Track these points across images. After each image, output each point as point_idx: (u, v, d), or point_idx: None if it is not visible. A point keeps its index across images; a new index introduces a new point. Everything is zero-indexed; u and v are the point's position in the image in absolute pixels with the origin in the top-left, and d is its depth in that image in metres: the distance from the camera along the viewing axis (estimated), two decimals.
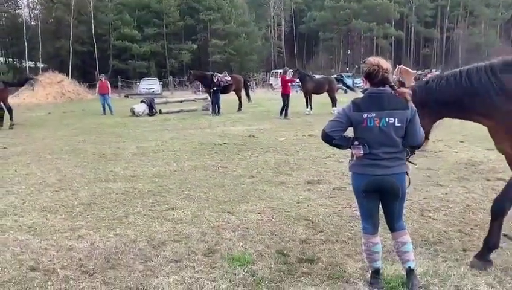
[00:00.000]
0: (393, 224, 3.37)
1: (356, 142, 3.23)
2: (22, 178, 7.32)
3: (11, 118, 15.20)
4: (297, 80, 19.09)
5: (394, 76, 21.44)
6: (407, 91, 3.25)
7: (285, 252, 4.12)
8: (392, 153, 3.20)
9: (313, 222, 4.93)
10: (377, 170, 3.19)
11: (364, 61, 3.33)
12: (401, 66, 22.46)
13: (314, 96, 18.67)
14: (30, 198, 6.09)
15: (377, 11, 66.46)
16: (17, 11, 61.76)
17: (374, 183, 3.22)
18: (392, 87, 3.23)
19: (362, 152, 3.19)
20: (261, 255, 4.07)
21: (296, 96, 21.96)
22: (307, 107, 18.31)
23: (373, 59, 3.26)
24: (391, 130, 3.16)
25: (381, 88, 3.21)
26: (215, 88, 18.77)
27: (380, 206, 3.38)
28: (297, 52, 73.95)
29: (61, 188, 6.63)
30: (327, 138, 3.28)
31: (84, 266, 3.90)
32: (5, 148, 10.62)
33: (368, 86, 3.28)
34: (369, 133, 3.18)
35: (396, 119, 3.15)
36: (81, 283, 3.60)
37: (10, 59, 60.78)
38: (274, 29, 72.52)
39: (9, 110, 15.31)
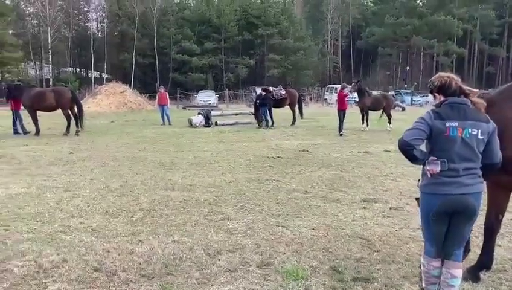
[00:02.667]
0: (453, 251, 3.18)
1: (433, 157, 3.03)
2: (87, 183, 7.73)
3: (77, 125, 16.10)
4: (354, 95, 18.90)
5: None
6: (482, 102, 3.11)
7: (339, 269, 4.08)
8: (471, 169, 3.02)
9: (368, 241, 4.85)
10: (455, 188, 2.99)
11: (430, 80, 3.24)
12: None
13: (370, 112, 18.41)
14: (94, 202, 6.42)
15: (439, 27, 64.61)
16: (86, 24, 65.70)
17: (450, 203, 3.02)
18: (467, 96, 3.10)
19: (439, 169, 3.00)
20: (315, 271, 4.06)
21: (352, 112, 21.70)
22: (363, 123, 18.05)
23: (441, 73, 3.20)
24: (474, 142, 2.99)
25: (462, 98, 3.09)
26: (258, 101, 19.09)
27: None
28: (353, 68, 73.19)
29: (123, 193, 6.93)
30: (407, 146, 3.04)
31: (143, 270, 4.06)
32: (71, 153, 11.26)
33: (442, 98, 3.16)
34: (450, 145, 2.99)
35: (480, 131, 2.99)
36: (141, 286, 3.75)
37: (78, 69, 64.49)
38: (331, 44, 72.29)
39: (76, 117, 16.23)
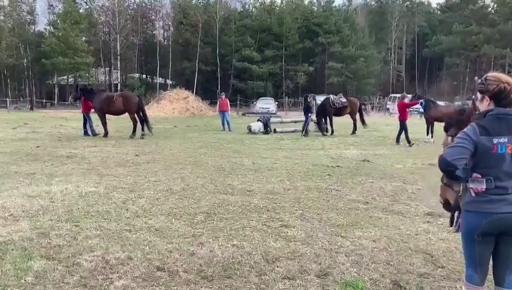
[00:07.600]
0: (504, 276, 2.89)
1: (478, 175, 2.76)
2: (151, 184, 8.02)
3: (142, 129, 16.78)
4: (418, 106, 18.30)
5: None
6: None
7: (401, 284, 3.95)
8: None
9: (432, 256, 4.65)
10: (503, 206, 2.71)
11: (486, 78, 2.83)
12: None
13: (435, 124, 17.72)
14: (158, 203, 6.64)
15: None
16: (153, 32, 68.46)
17: (497, 222, 2.73)
18: None
19: (485, 187, 2.73)
20: (375, 283, 3.95)
21: (415, 123, 21.00)
22: (427, 134, 17.41)
23: (501, 76, 2.81)
24: None
25: (508, 109, 2.75)
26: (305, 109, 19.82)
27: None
28: (418, 77, 70.90)
29: (185, 196, 7.13)
30: (449, 167, 2.73)
31: (203, 271, 4.14)
32: (137, 155, 11.75)
33: (491, 106, 2.81)
34: (497, 163, 2.70)
35: None
36: (201, 287, 3.83)
37: (144, 75, 67.22)
38: (394, 53, 70.48)
39: (142, 121, 16.92)
